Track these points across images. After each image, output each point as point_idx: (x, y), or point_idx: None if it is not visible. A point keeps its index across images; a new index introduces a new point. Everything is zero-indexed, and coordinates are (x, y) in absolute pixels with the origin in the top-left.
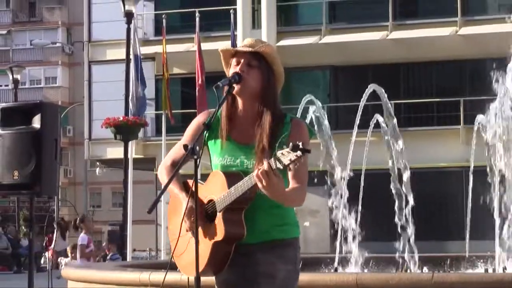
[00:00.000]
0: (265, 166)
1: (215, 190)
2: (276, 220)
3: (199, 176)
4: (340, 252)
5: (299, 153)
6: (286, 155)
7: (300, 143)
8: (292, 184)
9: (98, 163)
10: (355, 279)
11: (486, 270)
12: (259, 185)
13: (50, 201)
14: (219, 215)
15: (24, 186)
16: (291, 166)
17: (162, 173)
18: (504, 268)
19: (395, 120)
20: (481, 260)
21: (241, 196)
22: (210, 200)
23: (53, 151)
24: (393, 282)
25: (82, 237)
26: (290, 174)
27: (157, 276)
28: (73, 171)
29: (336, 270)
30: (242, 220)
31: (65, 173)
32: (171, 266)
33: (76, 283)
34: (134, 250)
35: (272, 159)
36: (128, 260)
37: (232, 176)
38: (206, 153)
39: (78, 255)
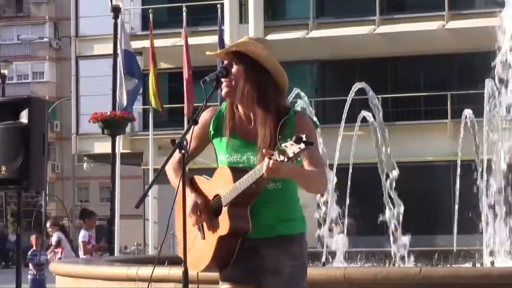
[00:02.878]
0: (269, 162)
1: (221, 185)
2: (282, 215)
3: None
4: (328, 246)
5: (302, 145)
6: (289, 148)
7: (304, 136)
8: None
9: (85, 158)
10: (343, 274)
11: (474, 264)
12: (275, 176)
13: (38, 196)
14: (224, 210)
15: (11, 181)
16: (294, 159)
17: (169, 169)
18: (492, 262)
19: (387, 130)
20: (469, 254)
21: (246, 190)
22: (216, 195)
23: (40, 146)
24: (381, 276)
25: (83, 234)
26: (305, 163)
27: (145, 271)
28: (60, 166)
29: (323, 264)
30: (248, 214)
31: (52, 168)
32: (159, 261)
33: (64, 278)
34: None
35: (276, 152)
36: (115, 255)
37: (238, 171)
38: (210, 148)
39: (80, 252)
